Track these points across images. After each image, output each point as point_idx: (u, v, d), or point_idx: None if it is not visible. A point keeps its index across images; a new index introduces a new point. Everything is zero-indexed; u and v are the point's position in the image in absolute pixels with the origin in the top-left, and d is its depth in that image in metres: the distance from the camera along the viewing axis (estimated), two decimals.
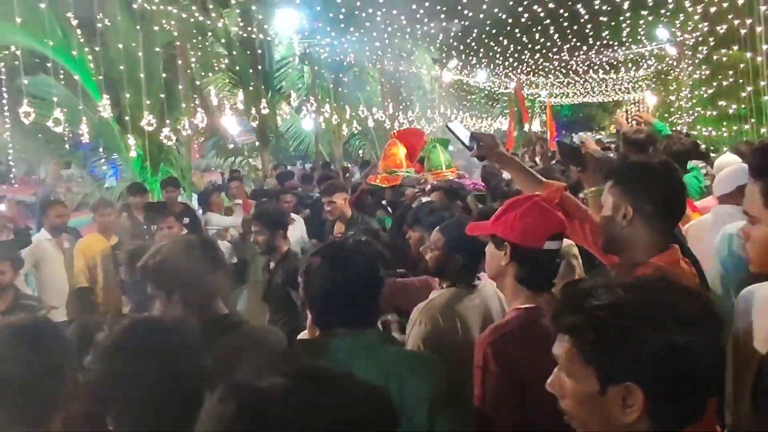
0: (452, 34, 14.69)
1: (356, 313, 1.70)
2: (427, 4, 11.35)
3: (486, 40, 14.71)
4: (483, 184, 5.49)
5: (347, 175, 8.72)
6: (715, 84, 10.65)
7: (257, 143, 15.10)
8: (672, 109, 16.16)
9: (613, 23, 13.52)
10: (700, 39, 11.61)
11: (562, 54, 16.71)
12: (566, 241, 2.21)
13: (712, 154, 6.98)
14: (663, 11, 12.56)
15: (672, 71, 17.24)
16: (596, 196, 2.35)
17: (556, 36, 14.01)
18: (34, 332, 1.44)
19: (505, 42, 14.64)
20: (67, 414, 1.41)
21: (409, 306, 2.69)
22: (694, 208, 3.55)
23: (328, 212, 5.02)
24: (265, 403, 0.78)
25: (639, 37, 15.16)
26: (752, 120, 8.84)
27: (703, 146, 6.54)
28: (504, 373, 1.77)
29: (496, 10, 11.48)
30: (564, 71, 20.54)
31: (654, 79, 21.72)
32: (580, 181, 2.57)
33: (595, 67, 20.19)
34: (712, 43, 10.62)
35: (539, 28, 13.36)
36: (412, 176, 5.59)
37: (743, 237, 1.62)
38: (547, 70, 19.89)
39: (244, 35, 12.42)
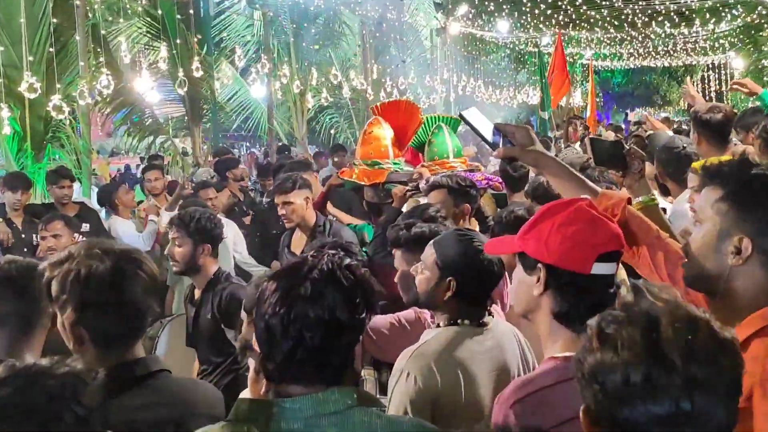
0: None
1: (324, 365, 1.70)
2: None
3: None
4: (500, 180, 5.52)
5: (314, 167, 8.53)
6: None
7: (186, 118, 15.07)
8: (766, 77, 16.38)
9: None
10: None
11: None
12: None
13: None
14: None
15: (766, 25, 17.47)
16: (646, 208, 2.38)
17: None
18: None
19: None
20: None
21: (390, 354, 2.69)
22: None
23: (284, 218, 5.01)
24: None
25: None
26: None
27: None
28: None
29: None
30: (616, 23, 20.73)
31: (741, 36, 22.00)
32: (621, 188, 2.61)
33: (660, 18, 20.38)
34: None
35: None
36: (402, 169, 5.59)
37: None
38: (592, 20, 20.06)
39: None
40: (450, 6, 19.47)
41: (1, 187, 6.82)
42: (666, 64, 30.70)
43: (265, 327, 1.69)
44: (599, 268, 1.87)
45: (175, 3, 12.75)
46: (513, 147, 2.31)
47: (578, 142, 10.97)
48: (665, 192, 4.75)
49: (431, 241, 2.71)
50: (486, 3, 17.86)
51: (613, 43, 25.17)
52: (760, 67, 17.90)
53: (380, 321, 3.02)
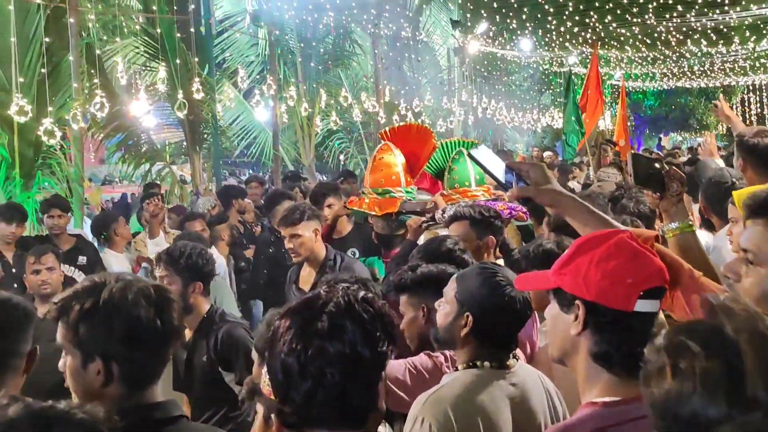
0: None
1: (347, 406, 1.69)
2: None
3: None
4: (525, 210, 5.51)
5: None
6: None
7: (185, 143, 15.14)
8: None
9: None
10: None
11: (646, 15, 16.91)
12: None
13: None
14: None
15: None
16: (682, 235, 2.36)
17: None
18: None
19: None
20: None
21: (402, 402, 2.66)
22: None
23: (291, 251, 5.00)
24: None
25: None
26: None
27: None
28: None
29: None
30: (648, 41, 20.78)
31: None
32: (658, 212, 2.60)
33: (696, 36, 20.41)
34: None
35: None
36: (414, 198, 5.58)
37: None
38: (622, 38, 20.12)
39: None
40: (469, 24, 19.57)
41: None
42: (702, 85, 30.71)
43: (281, 367, 1.68)
44: (642, 306, 1.86)
45: (175, 21, 12.86)
46: (528, 187, 2.32)
47: (609, 167, 10.97)
48: (709, 227, 4.72)
49: (454, 275, 2.70)
50: (508, 20, 17.94)
51: (645, 63, 25.21)
52: None
53: (396, 367, 2.98)
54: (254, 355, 2.54)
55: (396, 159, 5.69)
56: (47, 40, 9.13)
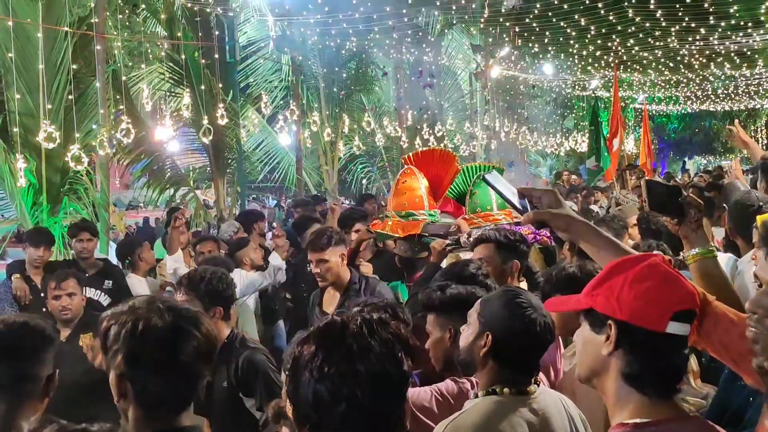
0: (503, 8, 14.94)
1: (379, 427, 1.71)
2: None
3: (553, 18, 14.92)
4: (548, 234, 5.49)
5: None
6: None
7: (209, 168, 15.25)
8: None
9: None
10: None
11: (669, 39, 16.88)
12: None
13: None
14: None
15: None
16: (703, 261, 2.36)
17: (659, 13, 14.19)
18: None
19: (583, 21, 14.85)
20: None
21: (429, 430, 2.65)
22: None
23: (317, 276, 5.00)
24: None
25: None
26: None
27: None
28: None
29: None
30: (671, 64, 20.73)
31: None
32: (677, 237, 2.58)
33: (719, 59, 20.34)
34: None
35: (633, 0, 13.56)
36: (438, 221, 5.58)
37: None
38: (645, 62, 20.08)
39: (193, 7, 12.70)
40: (491, 48, 19.63)
41: (24, 242, 6.92)
42: (726, 108, 30.53)
43: (312, 394, 1.69)
44: (674, 327, 1.88)
45: (199, 47, 13.01)
46: (542, 211, 2.34)
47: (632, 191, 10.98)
48: (735, 250, 4.68)
49: (480, 299, 2.71)
50: (530, 45, 17.98)
51: (668, 86, 25.14)
52: None
53: (423, 395, 2.97)
54: (283, 376, 2.55)
55: (419, 183, 5.70)
56: (74, 67, 9.27)
